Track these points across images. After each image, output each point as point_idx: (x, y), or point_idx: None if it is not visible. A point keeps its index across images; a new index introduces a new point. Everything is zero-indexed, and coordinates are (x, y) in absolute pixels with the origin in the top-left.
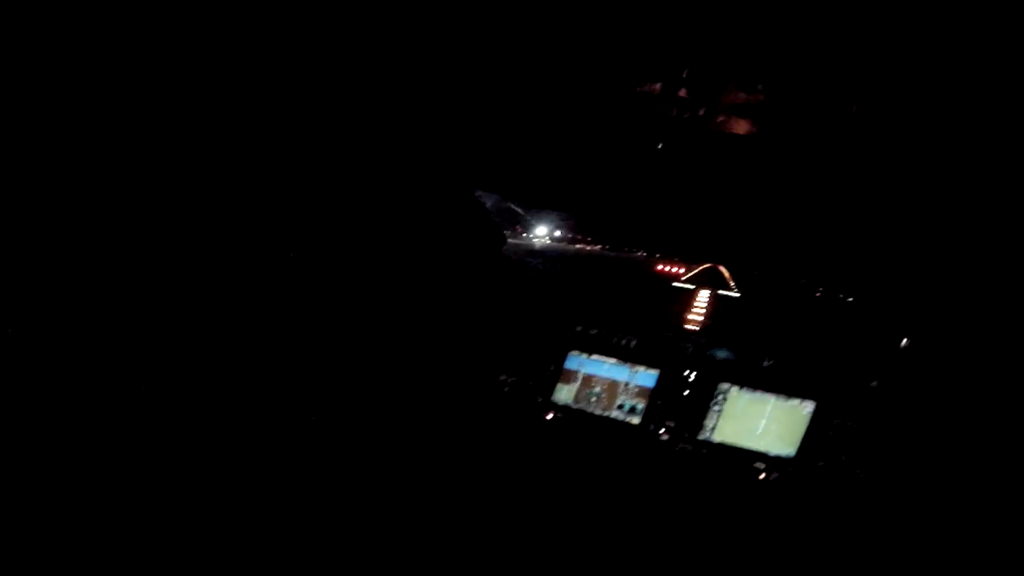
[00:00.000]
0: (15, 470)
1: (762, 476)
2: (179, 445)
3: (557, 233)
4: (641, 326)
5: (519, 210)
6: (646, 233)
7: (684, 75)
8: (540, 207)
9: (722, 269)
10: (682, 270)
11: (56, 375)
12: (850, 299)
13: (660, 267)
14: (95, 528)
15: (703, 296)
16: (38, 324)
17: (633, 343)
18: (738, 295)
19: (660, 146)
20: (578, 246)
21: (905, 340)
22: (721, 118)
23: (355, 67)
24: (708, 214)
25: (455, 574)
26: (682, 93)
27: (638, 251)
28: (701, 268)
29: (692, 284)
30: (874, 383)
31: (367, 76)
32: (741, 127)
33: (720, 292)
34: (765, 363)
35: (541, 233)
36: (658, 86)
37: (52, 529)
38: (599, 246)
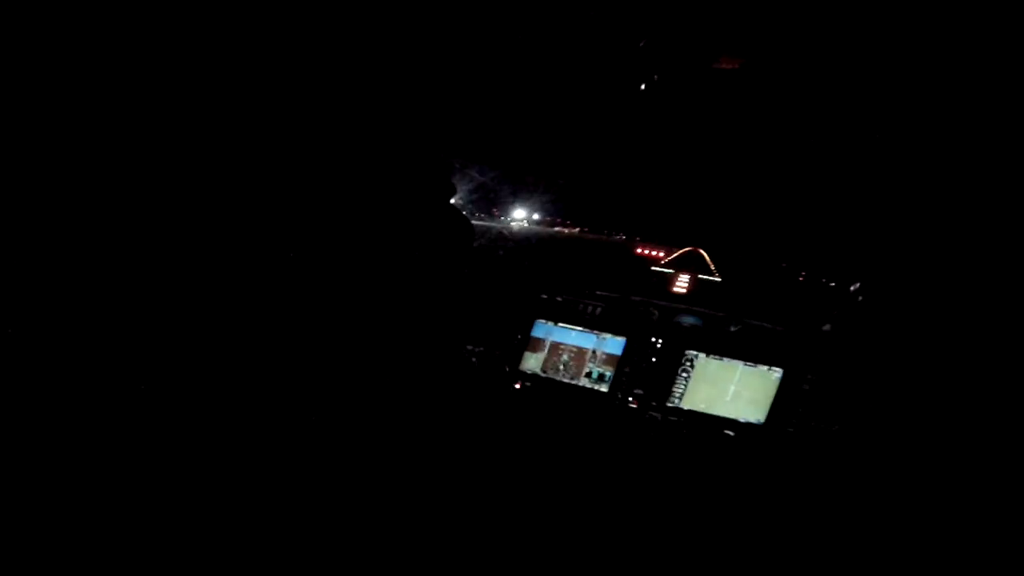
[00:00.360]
0: (15, 470)
1: (732, 442)
2: (179, 445)
3: (535, 216)
4: (608, 292)
5: (497, 186)
6: (626, 216)
7: (667, 50)
8: (520, 185)
9: (703, 253)
10: (662, 253)
11: (56, 375)
12: (822, 277)
13: (640, 250)
14: (95, 528)
15: (683, 279)
16: (38, 324)
17: (599, 310)
18: (719, 280)
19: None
20: (556, 229)
21: (868, 304)
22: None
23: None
24: (689, 197)
25: (441, 552)
26: (665, 70)
27: (618, 234)
28: (682, 252)
29: (672, 268)
30: (838, 349)
31: (350, 58)
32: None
33: (701, 276)
34: (732, 328)
35: (519, 216)
36: (642, 63)
37: (52, 529)
38: (578, 229)
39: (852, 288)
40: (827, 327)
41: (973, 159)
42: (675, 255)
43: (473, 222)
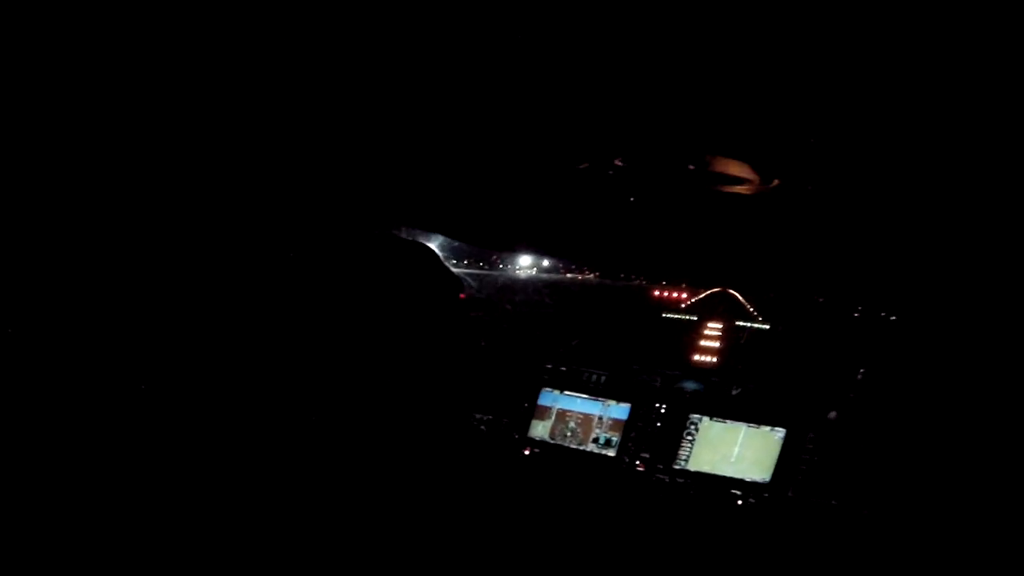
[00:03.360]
0: (15, 470)
1: (740, 502)
2: (179, 445)
3: (545, 263)
4: (610, 361)
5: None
6: (636, 259)
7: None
8: (512, 247)
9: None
10: (684, 296)
11: (56, 375)
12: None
13: (647, 294)
14: (95, 528)
15: (712, 328)
16: (38, 324)
17: (603, 379)
18: (767, 327)
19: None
20: (569, 275)
21: (869, 368)
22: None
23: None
24: (705, 238)
25: None
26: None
27: (622, 278)
28: (708, 294)
29: (696, 314)
30: (836, 412)
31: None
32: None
33: (737, 323)
34: (734, 392)
35: (525, 264)
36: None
37: (52, 529)
38: (592, 274)
39: (859, 373)
40: (833, 415)
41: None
42: (701, 297)
43: (473, 271)
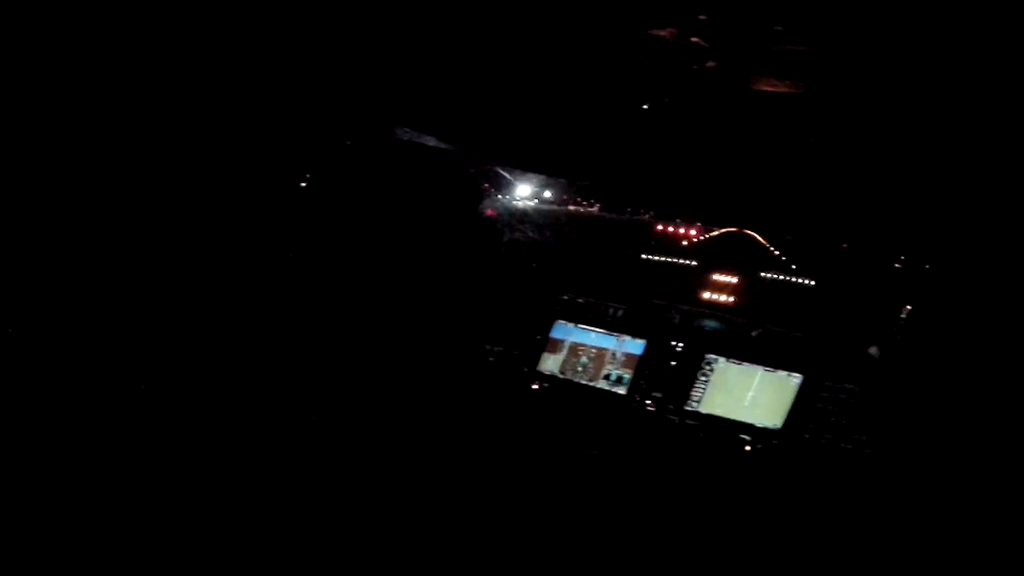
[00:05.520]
0: (15, 470)
1: (748, 448)
2: (179, 445)
3: (547, 195)
4: (629, 295)
5: (504, 172)
6: (649, 193)
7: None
8: (528, 167)
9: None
10: (707, 234)
11: (56, 375)
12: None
13: (668, 230)
14: (95, 527)
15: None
16: (38, 324)
17: (620, 312)
18: (792, 271)
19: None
20: (572, 207)
21: (897, 316)
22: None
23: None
24: (722, 171)
25: (451, 549)
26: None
27: (644, 213)
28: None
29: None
30: (862, 357)
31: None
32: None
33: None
34: (753, 334)
35: (527, 194)
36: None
37: (52, 529)
38: (596, 207)
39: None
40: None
41: None
42: (723, 235)
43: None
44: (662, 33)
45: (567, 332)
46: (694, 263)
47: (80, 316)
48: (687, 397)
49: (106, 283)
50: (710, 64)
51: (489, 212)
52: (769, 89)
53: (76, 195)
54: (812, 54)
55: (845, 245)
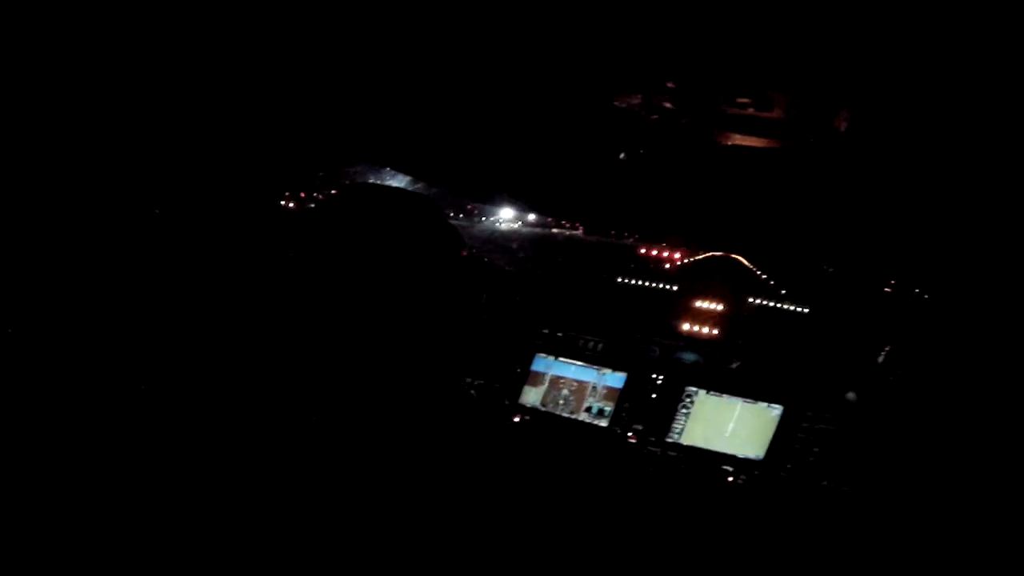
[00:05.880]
0: (15, 470)
1: (730, 479)
2: (179, 445)
3: (531, 217)
4: (608, 328)
5: (476, 208)
6: (636, 216)
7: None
8: (500, 203)
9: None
10: (685, 260)
11: (56, 375)
12: (821, 304)
13: (650, 253)
14: (95, 528)
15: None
16: (38, 324)
17: (600, 346)
18: (773, 300)
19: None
20: (555, 230)
21: (878, 348)
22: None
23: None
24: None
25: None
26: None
27: (627, 235)
28: (699, 260)
29: (697, 282)
30: (844, 390)
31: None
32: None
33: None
34: (732, 366)
35: (507, 216)
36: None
37: (52, 529)
38: (580, 231)
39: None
40: (851, 396)
41: None
42: (703, 261)
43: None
44: (630, 101)
45: (548, 365)
46: (672, 294)
47: (80, 316)
48: (668, 429)
49: (106, 283)
50: (683, 121)
51: (463, 252)
52: (743, 144)
53: (76, 195)
54: (786, 122)
55: (829, 268)
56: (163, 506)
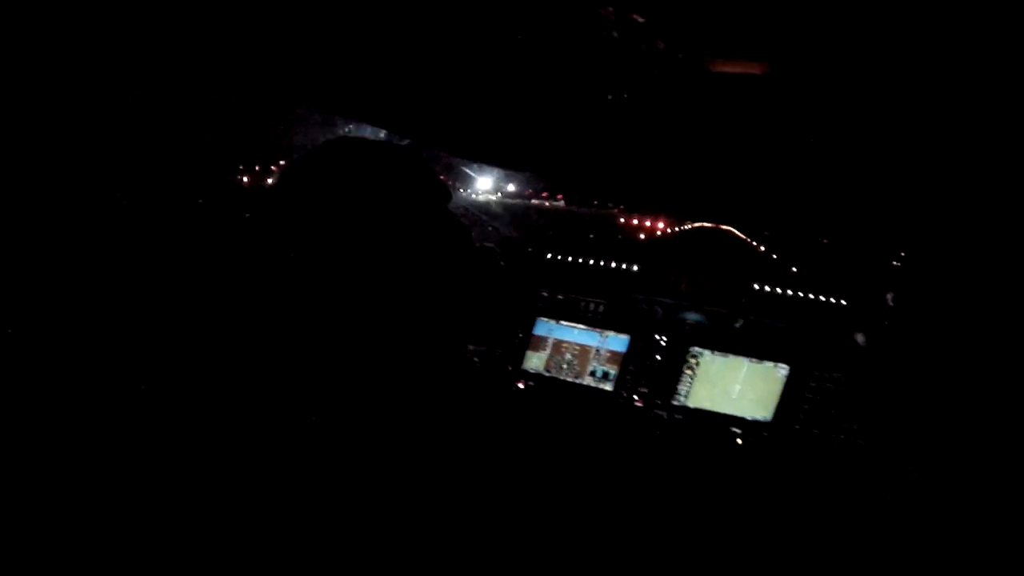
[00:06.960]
0: (15, 470)
1: (739, 441)
2: (179, 445)
3: (510, 188)
4: (610, 290)
5: (464, 167)
6: (616, 185)
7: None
8: (491, 162)
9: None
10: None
11: (56, 375)
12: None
13: (638, 223)
14: (95, 528)
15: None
16: (38, 324)
17: (602, 308)
18: (773, 261)
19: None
20: (535, 202)
21: (884, 300)
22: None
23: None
24: (691, 161)
25: (441, 551)
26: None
27: (612, 206)
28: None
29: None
30: (849, 348)
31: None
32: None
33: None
34: (736, 325)
35: (486, 187)
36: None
37: (52, 529)
38: (562, 201)
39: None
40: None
41: None
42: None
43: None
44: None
45: (549, 329)
46: (673, 255)
47: (80, 316)
48: (674, 391)
49: (106, 283)
50: (660, 45)
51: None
52: (730, 71)
53: (76, 195)
54: (773, 38)
55: (824, 241)
56: (163, 506)
